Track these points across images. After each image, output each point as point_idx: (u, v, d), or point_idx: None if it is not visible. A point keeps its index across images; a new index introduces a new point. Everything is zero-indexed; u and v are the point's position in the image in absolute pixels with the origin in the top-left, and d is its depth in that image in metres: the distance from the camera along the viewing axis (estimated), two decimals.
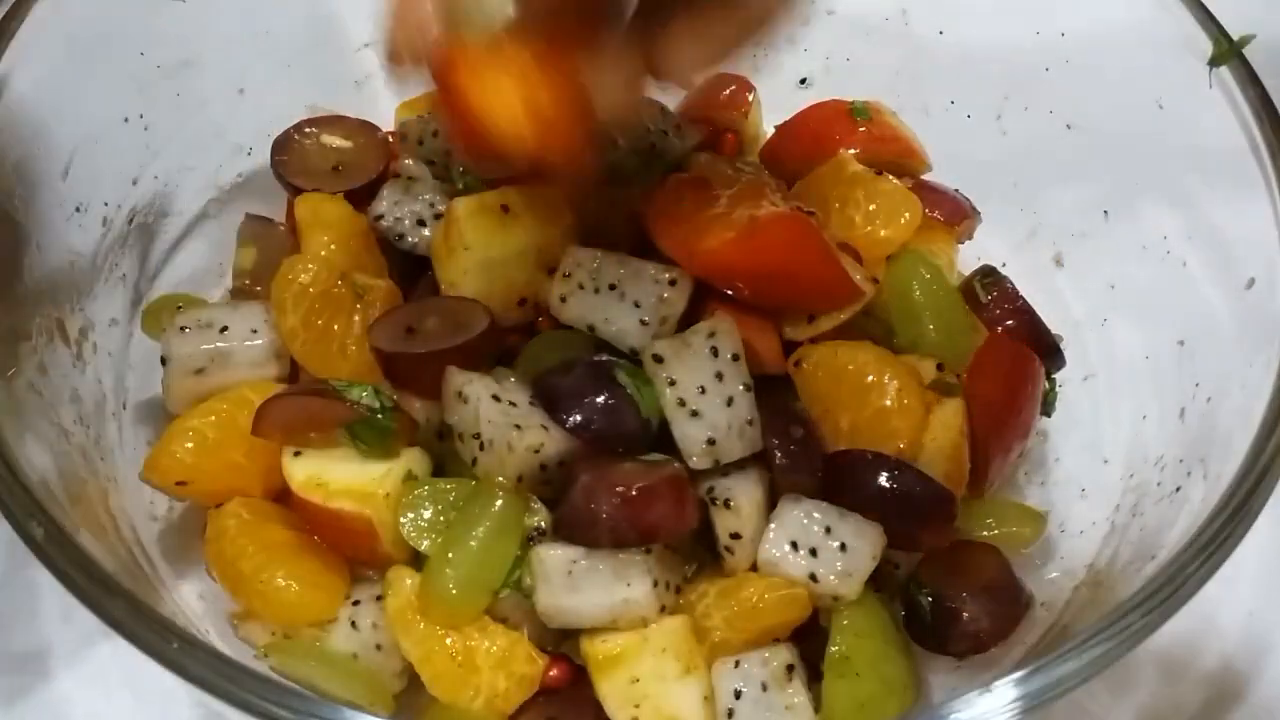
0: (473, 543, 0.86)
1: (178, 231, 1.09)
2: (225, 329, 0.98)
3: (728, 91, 1.17)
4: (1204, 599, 0.72)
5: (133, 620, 0.70)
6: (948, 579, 0.93)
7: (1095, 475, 1.00)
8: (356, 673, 0.88)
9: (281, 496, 0.94)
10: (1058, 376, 1.05)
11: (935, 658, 0.94)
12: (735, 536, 0.88)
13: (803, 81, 1.25)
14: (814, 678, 0.88)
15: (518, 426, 0.86)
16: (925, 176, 1.13)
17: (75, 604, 0.71)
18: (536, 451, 0.87)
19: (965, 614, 0.91)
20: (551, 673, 0.88)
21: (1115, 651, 0.70)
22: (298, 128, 1.11)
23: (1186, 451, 0.88)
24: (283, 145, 1.10)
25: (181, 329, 0.97)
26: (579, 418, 0.87)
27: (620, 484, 0.84)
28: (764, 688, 0.85)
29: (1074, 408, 1.06)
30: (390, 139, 1.13)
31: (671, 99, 1.18)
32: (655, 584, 0.85)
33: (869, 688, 0.87)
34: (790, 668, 0.86)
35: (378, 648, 0.89)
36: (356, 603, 0.90)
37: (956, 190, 1.11)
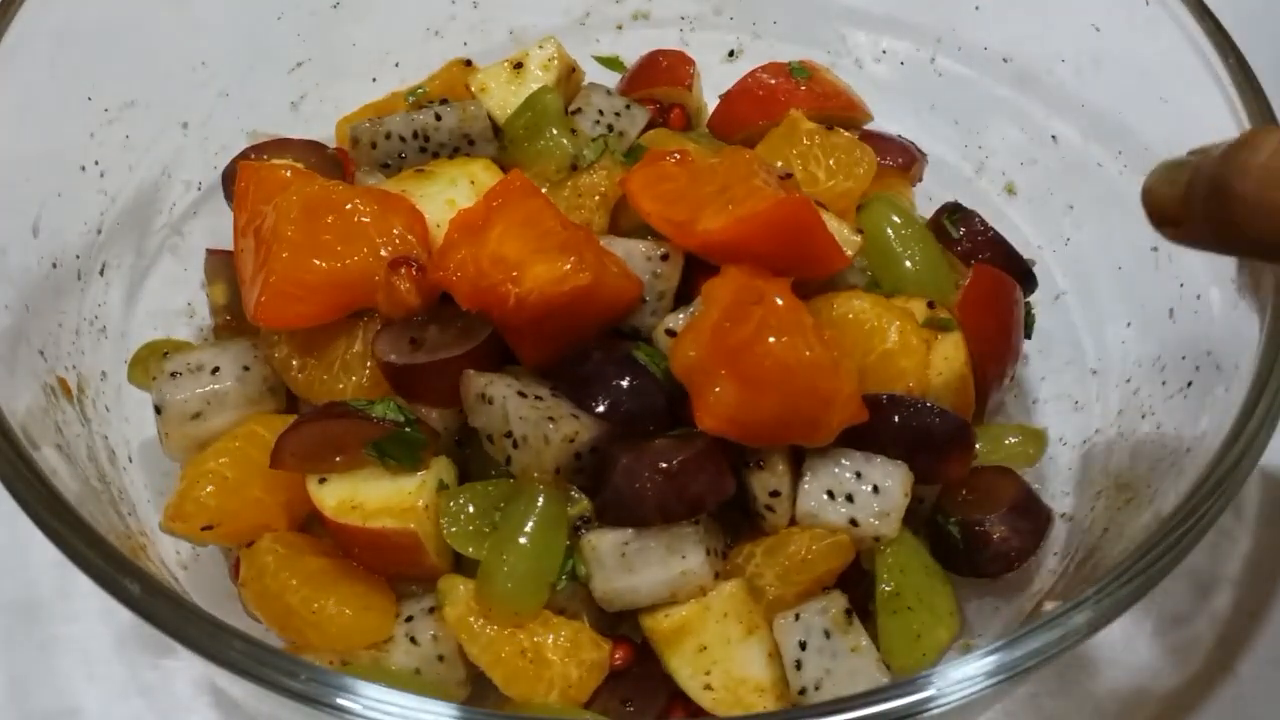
0: (523, 540, 0.86)
1: (141, 276, 1.06)
2: (216, 369, 0.95)
3: (667, 67, 1.18)
4: (1204, 599, 0.73)
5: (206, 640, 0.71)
6: (972, 505, 0.95)
7: (1085, 387, 1.04)
8: (421, 687, 0.87)
9: (305, 526, 0.93)
10: (1030, 300, 1.08)
11: (963, 585, 0.96)
12: (775, 494, 0.90)
13: (731, 54, 1.27)
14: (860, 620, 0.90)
15: (551, 419, 0.86)
16: (868, 126, 1.15)
17: (98, 655, 0.71)
18: (572, 441, 0.87)
19: (996, 535, 0.93)
20: (616, 656, 0.89)
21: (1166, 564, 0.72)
22: (243, 156, 1.08)
23: (1187, 348, 0.91)
24: (233, 176, 1.07)
25: (172, 375, 0.95)
26: (608, 402, 0.88)
27: (661, 460, 0.85)
28: (826, 635, 0.87)
29: (1050, 328, 1.09)
30: (340, 154, 1.11)
31: (610, 79, 1.20)
32: (708, 553, 0.87)
33: (921, 618, 0.90)
34: (849, 611, 0.88)
35: (439, 659, 0.88)
36: (410, 619, 0.89)
37: (899, 136, 1.14)
